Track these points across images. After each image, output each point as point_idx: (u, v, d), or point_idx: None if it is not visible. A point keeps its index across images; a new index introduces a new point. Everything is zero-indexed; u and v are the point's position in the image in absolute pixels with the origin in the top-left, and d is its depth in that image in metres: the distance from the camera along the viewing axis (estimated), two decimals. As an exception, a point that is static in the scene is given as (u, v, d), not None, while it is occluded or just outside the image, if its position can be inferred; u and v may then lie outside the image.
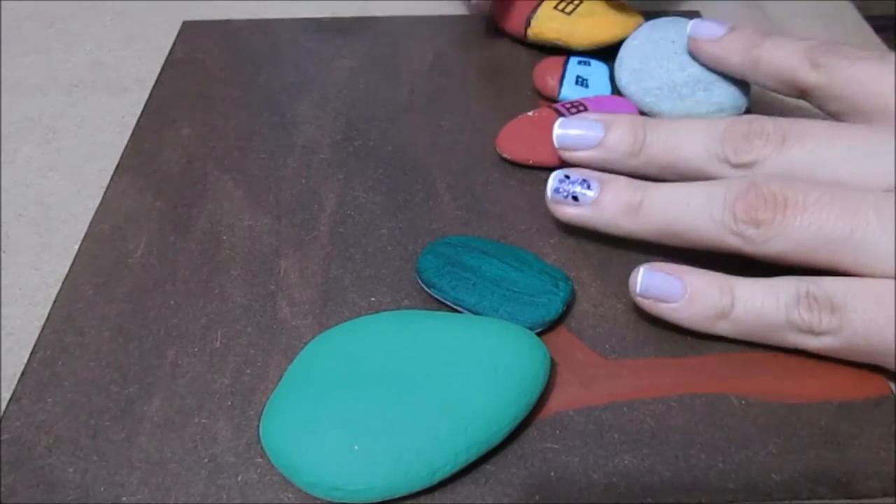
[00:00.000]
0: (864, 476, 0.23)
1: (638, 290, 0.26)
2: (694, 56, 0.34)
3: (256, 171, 0.34)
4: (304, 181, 0.34)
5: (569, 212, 0.29)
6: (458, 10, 0.44)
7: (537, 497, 0.23)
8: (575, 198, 0.28)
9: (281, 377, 0.25)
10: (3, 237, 0.32)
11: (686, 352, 0.27)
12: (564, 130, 0.31)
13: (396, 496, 0.22)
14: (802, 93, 0.30)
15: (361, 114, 0.38)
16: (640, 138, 0.29)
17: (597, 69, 0.38)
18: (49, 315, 0.28)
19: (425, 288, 0.28)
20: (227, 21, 0.44)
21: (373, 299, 0.29)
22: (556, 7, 0.39)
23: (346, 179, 0.34)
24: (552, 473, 0.24)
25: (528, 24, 0.40)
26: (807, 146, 0.26)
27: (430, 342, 0.24)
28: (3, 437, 0.25)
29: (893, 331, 0.23)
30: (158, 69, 0.41)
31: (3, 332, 0.28)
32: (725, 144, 0.27)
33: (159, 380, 0.26)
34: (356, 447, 0.22)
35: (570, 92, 0.37)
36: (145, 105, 0.38)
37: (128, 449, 0.24)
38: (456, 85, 0.39)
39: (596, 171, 0.29)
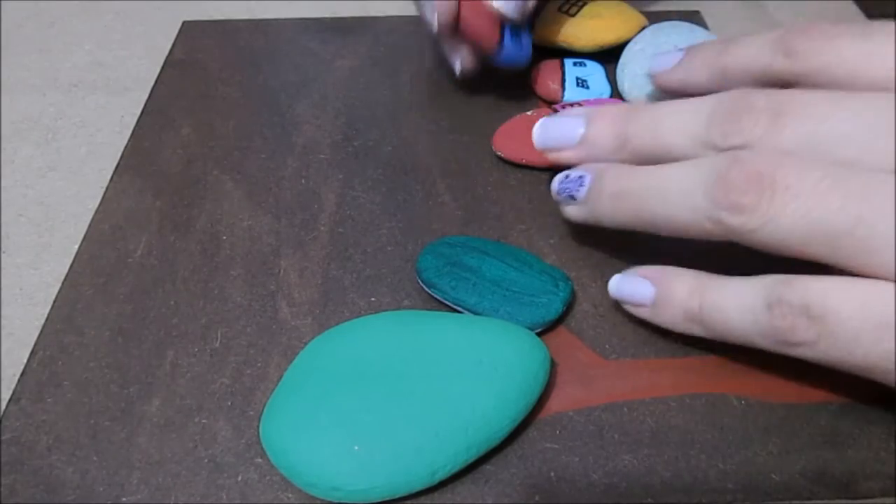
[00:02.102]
0: (864, 476, 0.23)
1: (612, 293, 0.27)
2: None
3: (256, 171, 0.34)
4: (304, 181, 0.34)
5: (569, 211, 0.28)
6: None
7: (537, 497, 0.23)
8: (573, 197, 0.27)
9: (281, 377, 0.25)
10: (3, 237, 0.32)
11: (686, 352, 0.27)
12: (544, 131, 0.28)
13: (396, 496, 0.22)
14: (784, 86, 0.25)
15: (361, 114, 0.38)
16: (622, 131, 0.26)
17: (593, 69, 0.38)
18: (49, 315, 0.28)
19: (425, 288, 0.28)
20: (227, 21, 0.44)
21: (373, 299, 0.29)
22: (560, 9, 0.39)
23: (346, 179, 0.34)
24: (552, 473, 0.24)
25: (532, 27, 0.40)
26: (805, 123, 0.22)
27: (430, 342, 0.24)
28: (3, 438, 0.25)
29: (882, 344, 0.20)
30: (158, 69, 0.41)
31: (3, 332, 0.28)
32: (712, 127, 0.23)
33: (159, 380, 0.26)
34: (356, 447, 0.22)
35: (573, 94, 0.37)
36: (145, 105, 0.38)
37: (128, 449, 0.24)
38: (456, 85, 0.39)
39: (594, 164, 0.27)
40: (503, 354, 0.24)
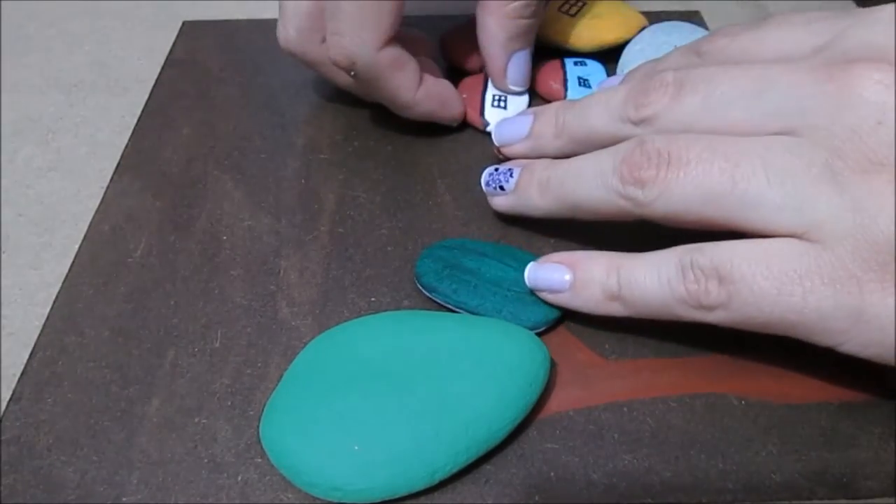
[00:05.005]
0: (864, 476, 0.23)
1: (528, 284, 0.27)
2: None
3: (256, 171, 0.34)
4: (304, 181, 0.34)
5: (497, 201, 0.30)
6: (459, 10, 0.44)
7: (537, 497, 0.23)
8: (501, 188, 0.30)
9: (281, 377, 0.25)
10: (3, 237, 0.32)
11: (686, 352, 0.27)
12: (499, 128, 0.32)
13: (396, 496, 0.22)
14: None
15: (361, 114, 0.38)
16: (560, 119, 0.29)
17: (594, 68, 0.38)
18: (49, 315, 0.28)
19: (425, 292, 0.28)
20: (227, 21, 0.44)
21: (373, 299, 0.29)
22: (559, 9, 0.39)
23: (346, 179, 0.34)
24: (552, 473, 0.24)
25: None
26: (700, 93, 0.24)
27: (430, 342, 0.24)
28: (3, 437, 0.25)
29: (787, 297, 0.21)
30: (158, 69, 0.41)
31: (3, 332, 0.28)
32: (627, 103, 0.26)
33: (159, 380, 0.26)
34: (356, 447, 0.22)
35: (575, 93, 0.37)
36: (145, 105, 0.38)
37: (128, 449, 0.24)
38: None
39: (524, 160, 0.31)
40: (503, 354, 0.24)
